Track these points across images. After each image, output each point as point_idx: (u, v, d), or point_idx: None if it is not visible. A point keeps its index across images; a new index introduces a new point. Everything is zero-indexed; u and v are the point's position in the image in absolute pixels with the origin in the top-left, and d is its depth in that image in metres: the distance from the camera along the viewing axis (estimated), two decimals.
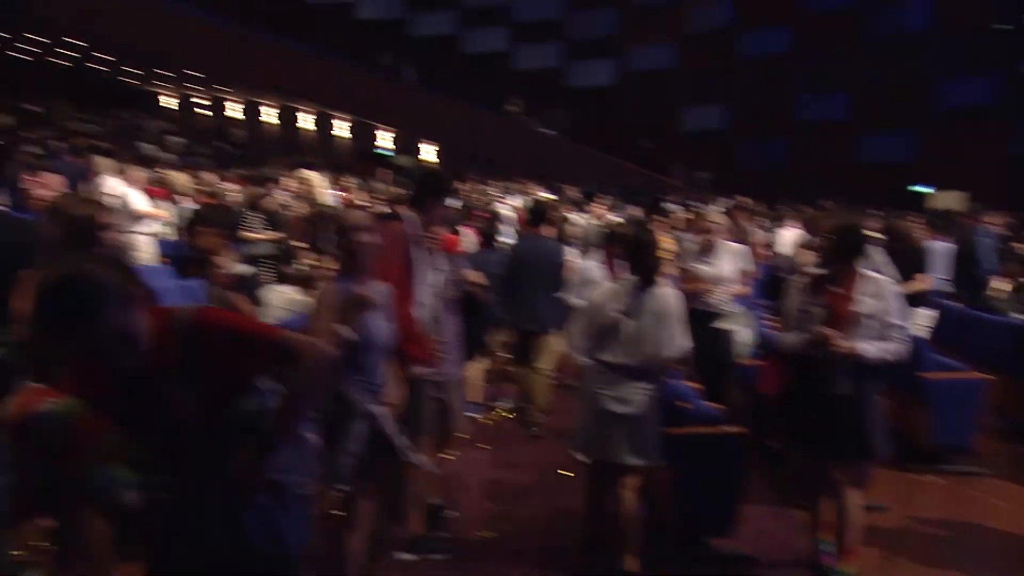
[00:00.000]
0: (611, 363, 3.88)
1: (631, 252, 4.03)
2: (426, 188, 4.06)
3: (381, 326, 3.29)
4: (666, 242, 9.86)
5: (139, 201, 8.30)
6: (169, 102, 31.30)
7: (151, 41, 22.45)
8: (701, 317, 5.55)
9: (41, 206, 8.11)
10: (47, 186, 11.09)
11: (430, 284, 3.91)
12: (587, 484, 4.26)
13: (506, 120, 25.57)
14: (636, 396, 3.86)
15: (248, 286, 4.13)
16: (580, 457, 4.09)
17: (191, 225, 4.00)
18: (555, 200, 11.65)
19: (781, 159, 25.12)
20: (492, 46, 27.74)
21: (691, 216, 14.60)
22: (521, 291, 6.10)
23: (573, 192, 16.53)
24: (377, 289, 3.34)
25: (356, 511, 3.35)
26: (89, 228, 3.09)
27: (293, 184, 9.28)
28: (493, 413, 6.58)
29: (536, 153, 24.08)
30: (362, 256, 3.29)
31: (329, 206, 8.99)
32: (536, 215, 6.46)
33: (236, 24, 24.27)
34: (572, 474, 5.34)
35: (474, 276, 4.42)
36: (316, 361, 2.03)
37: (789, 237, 8.85)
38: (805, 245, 6.41)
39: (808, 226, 7.82)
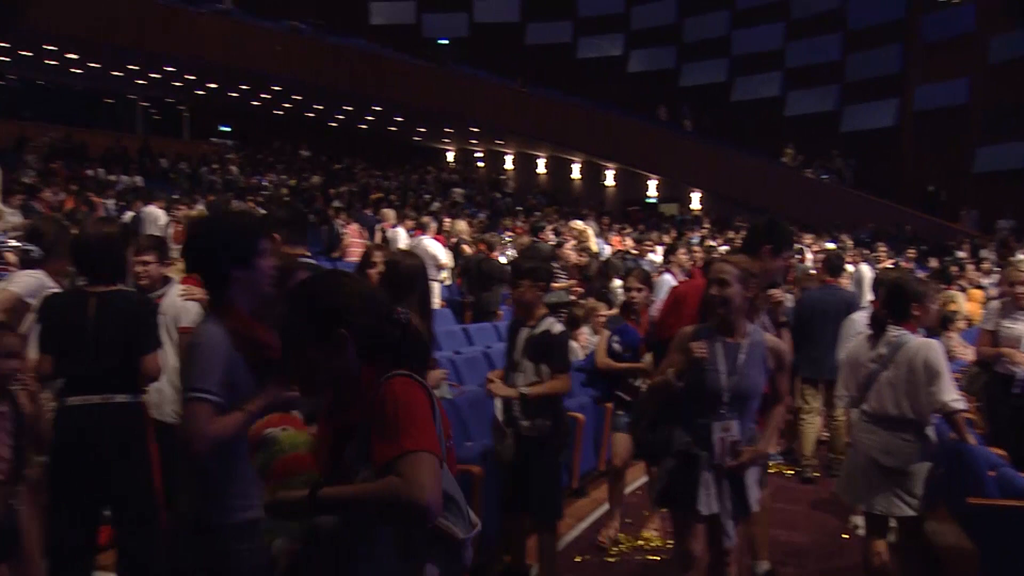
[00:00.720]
0: (872, 413, 3.82)
1: (886, 300, 3.94)
2: (762, 238, 3.82)
3: (721, 377, 3.24)
4: (975, 295, 9.08)
5: (438, 251, 9.06)
6: (450, 156, 33.86)
7: (436, 101, 24.59)
8: (1007, 382, 5.09)
9: (355, 256, 9.12)
10: (353, 236, 12.49)
11: None
12: (864, 542, 4.09)
13: (777, 166, 24.84)
14: (900, 447, 3.74)
15: (561, 342, 4.09)
16: (855, 520, 3.91)
17: (513, 278, 4.13)
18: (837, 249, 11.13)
19: None
20: (764, 92, 27.18)
21: (986, 266, 13.33)
22: (815, 340, 6.04)
23: (848, 240, 15.69)
24: (755, 340, 3.32)
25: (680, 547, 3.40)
26: (410, 278, 3.44)
27: (570, 233, 9.70)
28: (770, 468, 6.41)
29: (809, 200, 23.11)
30: (726, 307, 3.26)
31: (596, 253, 9.28)
32: (832, 265, 6.50)
33: (512, 81, 25.91)
34: (848, 536, 5.10)
35: (779, 294, 3.98)
36: (403, 492, 1.71)
37: None
38: None
39: None
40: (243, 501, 2.30)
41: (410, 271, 3.47)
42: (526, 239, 11.00)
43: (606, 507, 5.24)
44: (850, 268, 9.75)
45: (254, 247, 2.37)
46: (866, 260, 12.08)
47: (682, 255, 7.89)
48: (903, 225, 21.91)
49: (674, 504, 3.33)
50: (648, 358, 4.77)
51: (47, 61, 22.69)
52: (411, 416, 1.77)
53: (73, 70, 23.92)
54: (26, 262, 4.05)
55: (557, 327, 4.05)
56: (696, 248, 9.64)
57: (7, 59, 23.00)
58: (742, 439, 3.26)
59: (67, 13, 18.73)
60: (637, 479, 5.86)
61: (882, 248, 14.11)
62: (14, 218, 8.47)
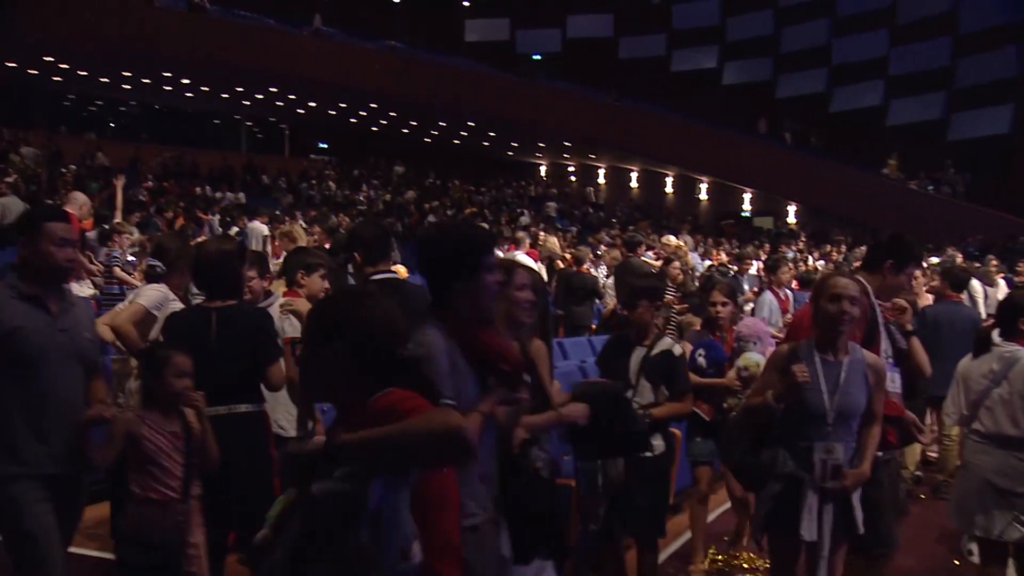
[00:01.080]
0: (986, 433, 3.71)
1: (999, 316, 3.85)
2: (884, 252, 3.69)
3: (823, 397, 3.17)
4: None
5: (531, 266, 9.16)
6: (543, 170, 34.04)
7: (529, 116, 24.82)
8: None
9: None
10: None
11: (888, 357, 3.61)
12: (978, 569, 3.95)
13: (878, 178, 24.02)
14: (1017, 467, 3.62)
15: (683, 363, 4.10)
16: (968, 546, 3.76)
17: (631, 298, 4.09)
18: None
19: None
20: (865, 102, 26.37)
21: None
22: (935, 357, 5.86)
23: (957, 254, 15.03)
24: (855, 357, 3.25)
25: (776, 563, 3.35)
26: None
27: (665, 248, 9.63)
28: None
29: (913, 212, 22.26)
30: (836, 325, 3.19)
31: (692, 268, 9.19)
32: (956, 280, 6.28)
33: (605, 95, 25.92)
34: (959, 562, 4.90)
35: (902, 302, 3.80)
36: (438, 423, 1.71)
37: None
38: None
39: None
40: (465, 510, 2.27)
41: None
42: (616, 253, 10.92)
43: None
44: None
45: (479, 261, 2.40)
46: (977, 275, 11.57)
47: (783, 274, 7.73)
48: (1017, 236, 20.84)
49: (777, 528, 3.26)
50: (731, 374, 4.65)
51: (164, 87, 24.00)
52: (417, 403, 1.80)
53: (186, 93, 25.20)
54: (151, 276, 4.30)
55: (677, 348, 4.03)
56: (790, 266, 9.42)
57: (129, 87, 24.46)
58: (844, 460, 3.19)
59: (182, 39, 19.82)
60: (723, 503, 5.78)
61: (993, 261, 13.46)
62: (133, 235, 8.98)
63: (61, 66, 21.47)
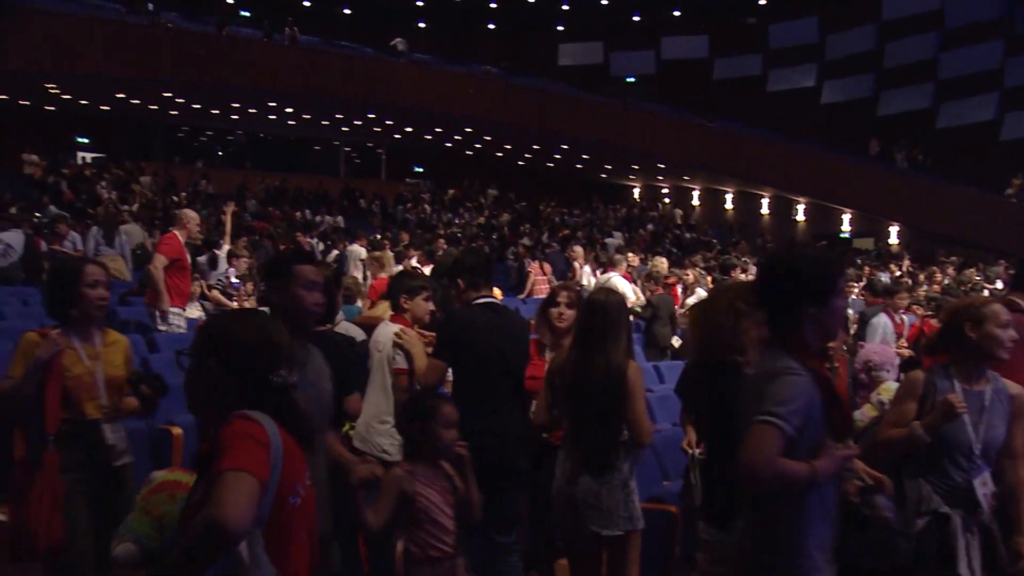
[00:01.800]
0: None
1: None
2: None
3: (968, 428, 3.00)
4: None
5: (627, 288, 9.10)
6: (636, 192, 33.84)
7: (622, 138, 24.75)
8: None
9: (541, 293, 9.22)
10: (536, 274, 12.77)
11: None
12: None
13: (994, 196, 22.89)
14: None
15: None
16: None
17: (736, 323, 4.04)
18: None
19: None
20: (975, 116, 25.20)
21: None
22: None
23: None
24: (997, 387, 3.08)
25: None
26: (617, 317, 3.50)
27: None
28: None
29: None
30: (1001, 353, 3.02)
31: None
32: None
33: (699, 116, 25.63)
34: None
35: None
36: (207, 519, 1.64)
37: None
38: None
39: None
40: (812, 561, 2.25)
41: (615, 310, 3.52)
42: (693, 274, 10.63)
43: None
44: None
45: (832, 285, 2.30)
46: None
47: (900, 299, 7.48)
48: None
49: (924, 568, 3.03)
50: (868, 409, 4.08)
51: (268, 116, 25.08)
52: (238, 441, 1.76)
53: (289, 122, 26.23)
54: (263, 300, 4.47)
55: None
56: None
57: (236, 117, 25.66)
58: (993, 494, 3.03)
59: (287, 72, 20.72)
60: None
61: None
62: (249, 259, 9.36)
63: (177, 100, 22.72)
